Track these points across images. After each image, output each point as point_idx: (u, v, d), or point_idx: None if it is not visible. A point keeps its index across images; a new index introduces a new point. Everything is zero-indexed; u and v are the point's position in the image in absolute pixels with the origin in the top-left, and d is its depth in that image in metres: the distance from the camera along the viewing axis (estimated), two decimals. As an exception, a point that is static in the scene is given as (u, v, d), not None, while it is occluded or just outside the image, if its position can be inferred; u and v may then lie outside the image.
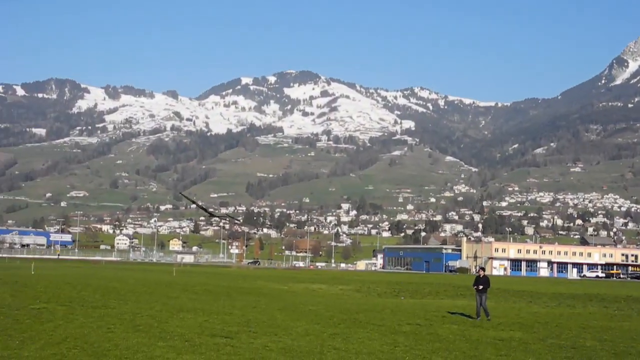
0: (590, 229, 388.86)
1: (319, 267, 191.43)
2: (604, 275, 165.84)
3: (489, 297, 30.26)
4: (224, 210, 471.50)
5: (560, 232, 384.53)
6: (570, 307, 40.15)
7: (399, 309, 32.05)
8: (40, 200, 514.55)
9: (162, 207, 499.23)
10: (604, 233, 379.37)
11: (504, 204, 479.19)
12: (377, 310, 31.14)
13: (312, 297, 42.15)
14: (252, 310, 28.42)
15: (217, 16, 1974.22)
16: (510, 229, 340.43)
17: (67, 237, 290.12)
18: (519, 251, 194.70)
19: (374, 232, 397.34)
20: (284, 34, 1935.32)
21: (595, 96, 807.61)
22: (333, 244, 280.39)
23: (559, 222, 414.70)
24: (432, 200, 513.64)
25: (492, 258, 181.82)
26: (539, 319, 29.67)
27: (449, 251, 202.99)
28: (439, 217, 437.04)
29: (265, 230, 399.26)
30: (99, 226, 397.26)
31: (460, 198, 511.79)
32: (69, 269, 77.25)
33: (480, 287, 28.69)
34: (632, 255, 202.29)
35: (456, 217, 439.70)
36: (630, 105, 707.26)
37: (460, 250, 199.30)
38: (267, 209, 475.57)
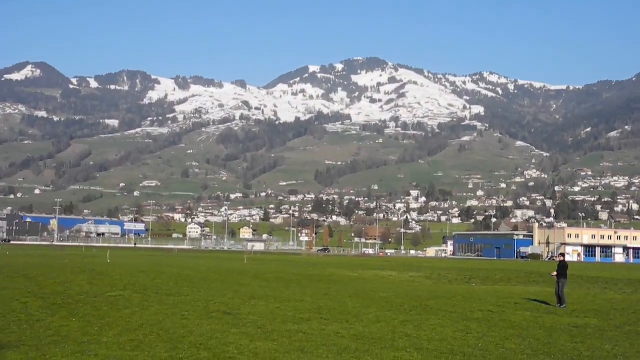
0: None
1: (389, 254, 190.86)
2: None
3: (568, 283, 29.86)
4: (293, 198, 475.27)
5: (636, 217, 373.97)
6: (648, 294, 39.07)
7: (471, 296, 31.70)
8: (114, 190, 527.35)
9: (233, 196, 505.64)
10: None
11: (576, 189, 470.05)
12: (449, 297, 30.88)
13: (383, 284, 42.03)
14: (323, 297, 28.50)
15: (284, 5, 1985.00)
16: (583, 215, 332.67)
17: (140, 226, 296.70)
18: (593, 237, 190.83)
19: (443, 218, 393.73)
20: (351, 20, 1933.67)
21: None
22: (402, 230, 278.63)
23: (635, 207, 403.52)
24: (503, 185, 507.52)
25: (565, 244, 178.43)
26: (615, 306, 28.97)
27: (521, 237, 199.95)
28: (509, 203, 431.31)
29: (334, 217, 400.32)
30: (171, 215, 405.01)
31: (532, 183, 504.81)
32: (143, 257, 78.85)
33: (554, 273, 28.57)
34: None
35: (527, 203, 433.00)
36: None
37: (532, 237, 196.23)
38: (336, 197, 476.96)
